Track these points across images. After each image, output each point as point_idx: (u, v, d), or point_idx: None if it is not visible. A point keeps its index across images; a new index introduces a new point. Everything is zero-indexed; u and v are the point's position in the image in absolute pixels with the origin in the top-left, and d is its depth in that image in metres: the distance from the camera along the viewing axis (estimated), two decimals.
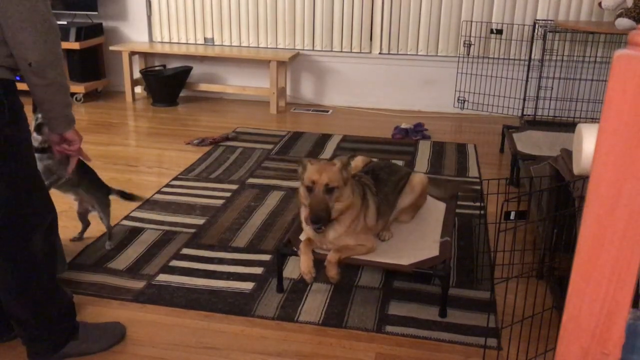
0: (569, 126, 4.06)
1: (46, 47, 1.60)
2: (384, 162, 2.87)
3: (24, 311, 1.88)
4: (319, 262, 2.32)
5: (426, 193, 2.70)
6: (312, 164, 2.24)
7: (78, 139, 1.94)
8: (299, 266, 2.32)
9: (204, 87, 5.46)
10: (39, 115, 2.32)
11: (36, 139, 2.32)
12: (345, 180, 2.21)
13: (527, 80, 4.72)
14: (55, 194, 2.02)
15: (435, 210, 2.75)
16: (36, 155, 2.31)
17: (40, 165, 2.39)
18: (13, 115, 1.68)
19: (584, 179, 1.87)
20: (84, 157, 2.09)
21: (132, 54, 5.34)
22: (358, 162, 2.76)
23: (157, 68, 5.45)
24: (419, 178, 2.66)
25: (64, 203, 3.23)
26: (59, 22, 4.99)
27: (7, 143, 1.68)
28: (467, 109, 5.08)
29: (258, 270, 2.61)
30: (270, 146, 4.27)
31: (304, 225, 2.38)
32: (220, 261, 2.67)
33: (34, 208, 1.81)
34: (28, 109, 1.79)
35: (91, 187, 2.69)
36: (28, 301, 1.87)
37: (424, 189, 2.65)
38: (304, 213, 2.34)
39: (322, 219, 2.19)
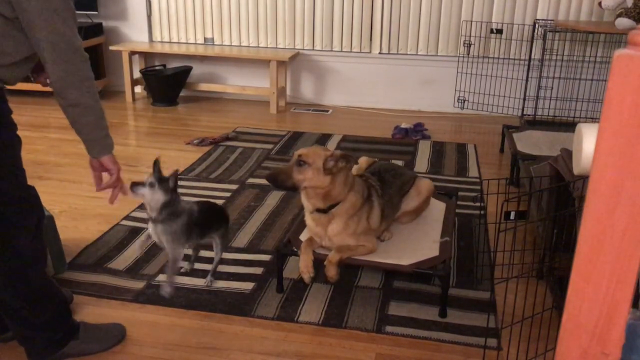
0: (569, 126, 4.06)
1: (65, 68, 1.64)
2: (389, 164, 2.86)
3: (21, 306, 1.88)
4: (319, 262, 2.32)
5: (430, 199, 2.71)
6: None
7: (115, 168, 1.86)
8: (299, 265, 2.33)
9: (204, 87, 5.46)
10: (152, 178, 2.20)
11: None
12: (328, 169, 2.20)
13: (527, 80, 4.72)
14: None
15: (435, 210, 2.75)
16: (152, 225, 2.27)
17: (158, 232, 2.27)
18: None
19: (584, 179, 1.87)
20: (122, 189, 1.94)
21: (132, 53, 5.34)
22: (362, 162, 2.76)
23: (157, 68, 5.45)
24: (426, 184, 2.67)
25: (64, 203, 3.24)
26: None
27: None
28: (467, 108, 5.08)
29: (258, 270, 2.60)
30: (270, 146, 4.27)
31: (306, 217, 2.40)
32: (221, 261, 2.67)
33: (18, 208, 1.81)
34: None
35: (226, 234, 2.57)
36: (21, 296, 1.87)
37: (430, 195, 2.67)
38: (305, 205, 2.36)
39: (276, 180, 2.22)
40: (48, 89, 1.91)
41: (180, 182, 3.54)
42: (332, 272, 2.28)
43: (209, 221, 2.45)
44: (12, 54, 1.67)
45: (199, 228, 2.38)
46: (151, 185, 2.18)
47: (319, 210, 2.29)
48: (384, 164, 2.75)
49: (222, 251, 2.54)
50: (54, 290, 1.98)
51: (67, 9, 1.64)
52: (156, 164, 2.22)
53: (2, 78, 1.70)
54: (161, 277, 2.53)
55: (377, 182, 2.47)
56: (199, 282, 2.50)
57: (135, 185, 2.17)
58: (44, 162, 3.86)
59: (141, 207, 3.20)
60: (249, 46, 5.44)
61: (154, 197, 2.20)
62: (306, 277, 2.29)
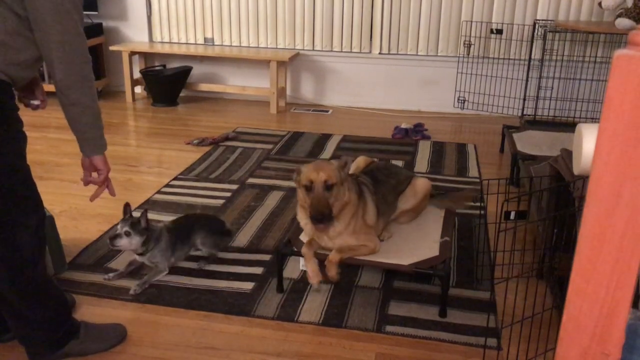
0: (569, 126, 4.06)
1: (71, 68, 1.69)
2: (384, 163, 2.87)
3: (19, 302, 1.88)
4: (319, 263, 2.32)
5: (428, 197, 2.70)
6: (306, 166, 2.26)
7: (105, 169, 1.96)
8: (306, 271, 2.32)
9: (204, 87, 5.46)
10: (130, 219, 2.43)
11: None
12: (342, 180, 2.21)
13: (527, 80, 4.72)
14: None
15: (435, 210, 2.75)
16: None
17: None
18: (1, 116, 1.71)
19: (584, 179, 1.87)
20: (109, 190, 2.05)
21: (132, 54, 5.34)
22: (360, 162, 2.77)
23: (157, 68, 5.45)
24: (422, 183, 2.66)
25: (64, 203, 3.24)
26: None
27: None
28: (467, 109, 5.08)
29: (258, 270, 2.61)
30: (270, 146, 4.27)
31: (302, 224, 2.38)
32: (221, 261, 2.67)
33: (18, 206, 1.81)
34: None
35: (207, 238, 2.66)
36: (19, 292, 1.87)
37: (426, 193, 2.66)
38: (302, 216, 2.35)
39: (324, 216, 2.18)
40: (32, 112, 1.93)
41: (180, 182, 3.56)
42: (332, 271, 2.28)
43: (185, 231, 2.62)
44: (23, 52, 1.69)
45: (180, 240, 2.59)
46: (127, 234, 2.41)
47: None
48: (380, 164, 2.76)
49: (209, 252, 2.63)
50: (52, 289, 1.97)
51: (77, 11, 1.68)
52: (126, 208, 2.46)
53: (11, 76, 1.70)
54: (134, 283, 2.48)
55: (368, 179, 2.47)
56: (199, 282, 2.50)
57: (113, 239, 2.40)
58: (44, 162, 3.86)
59: (141, 207, 3.20)
60: (249, 46, 5.44)
61: (133, 242, 2.43)
62: (315, 281, 2.29)
